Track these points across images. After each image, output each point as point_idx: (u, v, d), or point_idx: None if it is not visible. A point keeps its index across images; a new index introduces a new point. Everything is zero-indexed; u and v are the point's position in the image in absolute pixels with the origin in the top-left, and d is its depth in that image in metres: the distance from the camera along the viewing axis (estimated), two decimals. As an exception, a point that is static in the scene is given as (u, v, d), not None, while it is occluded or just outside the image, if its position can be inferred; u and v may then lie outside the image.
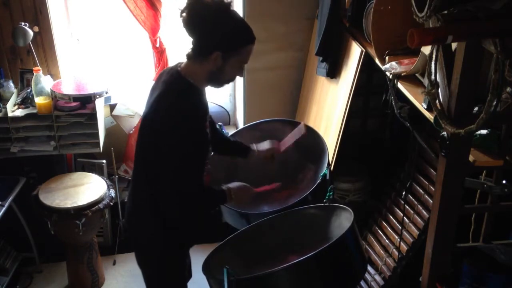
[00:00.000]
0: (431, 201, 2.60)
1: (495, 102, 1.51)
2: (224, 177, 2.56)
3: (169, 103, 1.94)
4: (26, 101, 3.20)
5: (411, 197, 2.82)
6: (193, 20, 1.88)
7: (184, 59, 2.02)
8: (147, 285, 2.30)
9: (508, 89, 1.77)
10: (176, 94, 1.95)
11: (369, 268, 3.01)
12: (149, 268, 2.25)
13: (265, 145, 2.44)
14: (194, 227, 2.21)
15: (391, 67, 2.27)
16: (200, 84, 2.00)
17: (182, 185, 1.97)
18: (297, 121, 3.39)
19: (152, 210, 2.12)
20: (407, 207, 2.81)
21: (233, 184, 2.19)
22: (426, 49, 1.94)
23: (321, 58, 3.11)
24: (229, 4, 1.90)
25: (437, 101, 1.76)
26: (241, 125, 3.66)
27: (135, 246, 2.27)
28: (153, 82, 2.14)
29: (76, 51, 3.51)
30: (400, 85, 2.23)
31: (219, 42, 1.89)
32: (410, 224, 2.79)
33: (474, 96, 1.71)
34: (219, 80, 2.02)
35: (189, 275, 2.39)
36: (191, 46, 1.95)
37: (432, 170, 2.72)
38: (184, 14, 1.88)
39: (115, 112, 3.42)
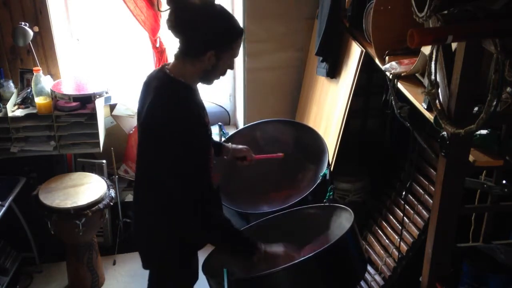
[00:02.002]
0: (431, 201, 2.60)
1: (495, 102, 1.51)
2: (223, 176, 2.55)
3: (165, 109, 1.88)
4: (26, 101, 3.20)
5: (411, 197, 2.82)
6: (181, 23, 1.83)
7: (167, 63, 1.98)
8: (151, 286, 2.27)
9: (508, 89, 1.77)
10: (170, 98, 1.90)
11: (369, 268, 3.01)
12: (157, 270, 2.21)
13: (241, 147, 2.39)
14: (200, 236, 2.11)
15: (391, 67, 2.27)
16: (192, 83, 1.95)
17: (194, 189, 1.91)
18: (297, 120, 3.40)
19: (156, 218, 2.07)
20: (407, 207, 2.81)
21: (270, 247, 2.01)
22: (426, 49, 1.94)
23: (321, 58, 3.11)
24: (213, 0, 1.87)
25: (437, 101, 1.76)
26: (241, 125, 3.66)
27: (143, 248, 2.21)
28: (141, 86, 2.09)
29: (76, 51, 3.51)
30: (400, 85, 2.23)
31: (212, 41, 1.85)
32: (410, 224, 2.79)
33: (474, 96, 1.71)
34: (212, 77, 1.98)
35: (195, 277, 2.32)
36: (179, 46, 1.90)
37: (432, 170, 2.72)
38: (171, 19, 1.83)
39: (115, 112, 3.42)
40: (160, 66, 2.01)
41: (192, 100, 1.94)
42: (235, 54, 1.95)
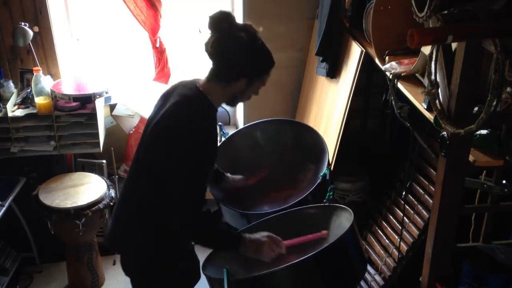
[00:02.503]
0: (431, 201, 2.60)
1: (495, 102, 1.51)
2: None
3: (189, 111, 1.93)
4: (26, 101, 3.20)
5: (411, 197, 2.82)
6: (222, 50, 1.90)
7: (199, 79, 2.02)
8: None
9: (508, 89, 1.77)
10: (195, 107, 1.94)
11: (369, 268, 3.01)
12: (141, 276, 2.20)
13: (238, 176, 2.46)
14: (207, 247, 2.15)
15: (391, 67, 2.27)
16: (217, 103, 2.01)
17: (191, 192, 1.94)
18: (297, 120, 3.40)
19: (145, 220, 2.07)
20: (407, 207, 2.81)
21: (254, 235, 2.05)
22: (426, 49, 1.94)
23: (321, 58, 3.11)
24: (255, 32, 1.93)
25: (437, 101, 1.76)
26: (241, 125, 3.66)
27: (125, 253, 2.20)
28: (165, 89, 2.11)
29: (76, 51, 3.51)
30: (400, 85, 2.23)
31: (247, 71, 1.94)
32: (410, 224, 2.79)
33: (474, 96, 1.71)
34: (237, 102, 2.08)
35: (197, 277, 2.29)
36: (213, 68, 1.96)
37: (432, 170, 2.72)
38: (210, 49, 1.89)
39: (115, 112, 3.42)
40: (193, 79, 2.05)
41: (212, 117, 2.02)
42: (264, 83, 2.05)
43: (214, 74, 1.96)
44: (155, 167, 1.97)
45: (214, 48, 1.89)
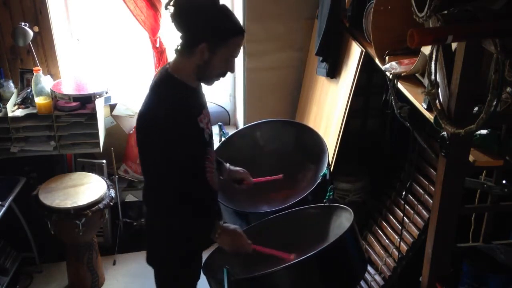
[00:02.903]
0: (431, 201, 2.60)
1: (495, 102, 1.51)
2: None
3: (154, 101, 1.93)
4: (26, 101, 3.20)
5: (411, 197, 2.82)
6: (180, 11, 1.85)
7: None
8: (157, 284, 2.27)
9: (508, 89, 1.77)
10: (162, 92, 1.93)
11: (369, 268, 3.01)
12: (159, 267, 2.22)
13: (238, 169, 2.38)
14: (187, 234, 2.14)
15: (391, 67, 2.27)
16: (189, 80, 1.95)
17: (167, 184, 1.95)
18: (297, 120, 3.40)
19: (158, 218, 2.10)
20: (407, 207, 2.81)
21: (228, 224, 2.07)
22: (426, 49, 1.94)
23: (321, 58, 3.11)
24: None
25: (437, 101, 1.76)
26: (241, 125, 3.67)
27: (148, 245, 2.25)
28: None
29: (76, 51, 3.51)
30: (400, 85, 2.23)
31: (204, 32, 1.84)
32: (410, 224, 2.79)
33: (474, 96, 1.71)
34: (208, 75, 1.96)
35: (198, 275, 2.31)
36: (180, 40, 1.91)
37: (432, 170, 2.72)
38: (170, 7, 1.86)
39: (115, 112, 3.42)
40: (168, 62, 2.04)
41: (184, 98, 1.95)
42: (233, 54, 1.93)
43: (179, 47, 1.91)
44: (140, 156, 2.00)
45: (172, 13, 1.86)
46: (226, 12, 1.88)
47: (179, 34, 1.90)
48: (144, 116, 1.93)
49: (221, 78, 2.00)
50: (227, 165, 2.36)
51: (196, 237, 2.13)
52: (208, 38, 1.84)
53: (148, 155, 1.96)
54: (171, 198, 1.96)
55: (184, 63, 1.92)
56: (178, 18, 1.86)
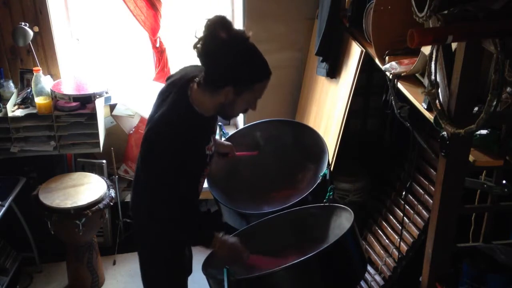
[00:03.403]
0: (431, 201, 2.60)
1: (495, 102, 1.51)
2: (224, 176, 2.56)
3: (168, 125, 1.90)
4: (26, 101, 3.20)
5: (411, 197, 2.82)
6: (207, 51, 1.81)
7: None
8: (144, 281, 2.30)
9: (508, 89, 1.77)
10: (177, 118, 1.91)
11: (369, 268, 3.01)
12: (148, 264, 2.26)
13: (224, 142, 2.46)
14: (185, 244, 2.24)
15: (391, 67, 2.27)
16: (208, 113, 1.95)
17: (167, 203, 1.98)
18: (297, 120, 3.40)
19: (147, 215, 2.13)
20: (407, 207, 2.81)
21: (227, 237, 2.10)
22: (426, 49, 1.94)
23: (321, 58, 3.11)
24: (247, 38, 1.83)
25: (437, 101, 1.76)
26: (241, 125, 3.66)
27: (139, 243, 2.29)
28: (162, 85, 2.10)
29: (76, 51, 3.51)
30: (400, 85, 2.23)
31: (231, 77, 1.82)
32: (410, 224, 2.79)
33: (474, 96, 1.71)
34: (228, 114, 1.99)
35: (189, 270, 2.38)
36: (203, 74, 1.88)
37: (432, 170, 2.72)
38: (198, 46, 1.82)
39: (115, 112, 3.42)
40: (187, 80, 1.97)
41: (196, 127, 1.95)
42: (258, 96, 1.93)
43: (202, 81, 1.89)
44: (141, 171, 2.04)
45: (199, 49, 1.82)
46: (254, 54, 1.86)
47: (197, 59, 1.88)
48: (157, 135, 1.90)
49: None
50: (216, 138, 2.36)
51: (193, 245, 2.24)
52: (234, 82, 1.83)
53: (151, 173, 1.96)
54: (177, 212, 2.00)
55: (206, 98, 1.90)
56: (205, 59, 1.83)
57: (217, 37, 1.78)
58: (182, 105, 1.92)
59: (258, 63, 1.87)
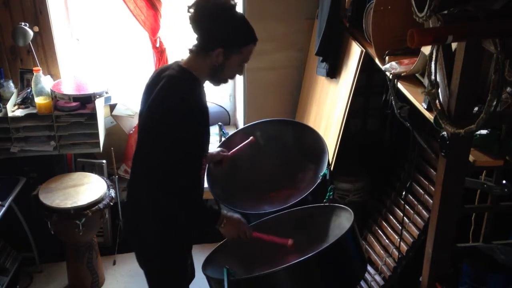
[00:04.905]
0: (431, 201, 2.60)
1: (495, 102, 1.51)
2: (224, 176, 2.56)
3: (175, 94, 1.96)
4: (26, 101, 3.20)
5: (411, 197, 2.82)
6: (199, 16, 1.94)
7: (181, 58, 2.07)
8: (149, 284, 2.29)
9: (508, 89, 1.77)
10: (182, 83, 1.99)
11: (369, 268, 3.01)
12: (150, 268, 2.25)
13: (217, 150, 2.51)
14: (191, 226, 2.21)
15: (391, 67, 2.27)
16: (201, 78, 2.04)
17: (180, 178, 1.98)
18: (297, 120, 3.40)
19: (151, 213, 2.12)
20: (407, 207, 2.81)
21: (231, 214, 2.17)
22: (426, 49, 1.94)
23: (321, 58, 3.11)
24: (235, 4, 1.97)
25: (437, 101, 1.76)
26: (241, 125, 3.66)
27: (136, 247, 2.27)
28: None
29: (76, 51, 3.51)
30: (400, 85, 2.23)
31: (222, 39, 1.95)
32: (410, 224, 2.79)
33: (474, 96, 1.71)
34: (219, 77, 2.07)
35: (192, 276, 2.39)
36: (195, 41, 2.01)
37: (432, 170, 2.72)
38: (191, 10, 1.95)
39: (115, 112, 3.42)
40: (173, 62, 2.11)
41: (198, 91, 2.03)
42: (244, 60, 2.04)
43: (195, 46, 2.01)
44: (149, 155, 2.02)
45: (193, 16, 1.95)
46: (242, 20, 2.00)
47: (194, 35, 1.99)
48: (163, 107, 1.96)
49: (229, 80, 2.11)
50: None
51: (199, 228, 2.25)
52: (224, 45, 1.96)
53: (161, 146, 1.97)
54: (184, 191, 2.01)
55: (199, 63, 2.02)
56: (198, 22, 1.96)
57: (209, 2, 1.94)
58: (180, 72, 2.01)
59: (246, 28, 2.01)
